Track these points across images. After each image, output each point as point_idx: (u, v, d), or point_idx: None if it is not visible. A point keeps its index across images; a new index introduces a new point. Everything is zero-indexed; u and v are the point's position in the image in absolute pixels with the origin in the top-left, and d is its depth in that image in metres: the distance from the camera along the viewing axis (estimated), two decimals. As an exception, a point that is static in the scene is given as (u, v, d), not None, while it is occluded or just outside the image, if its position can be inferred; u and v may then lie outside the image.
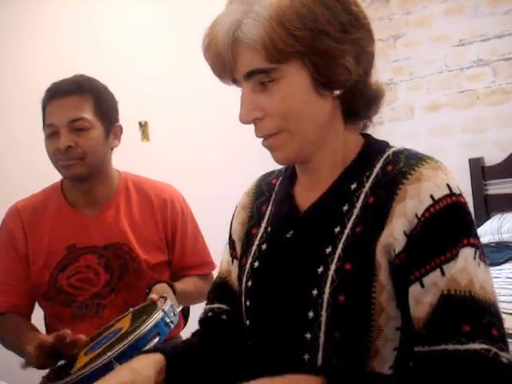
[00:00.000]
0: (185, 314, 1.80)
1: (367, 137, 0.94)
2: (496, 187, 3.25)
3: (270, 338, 0.90)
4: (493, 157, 3.26)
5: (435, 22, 3.45)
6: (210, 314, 1.06)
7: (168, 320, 1.16)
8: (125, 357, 1.05)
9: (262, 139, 0.88)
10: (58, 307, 1.52)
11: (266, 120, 0.85)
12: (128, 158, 1.79)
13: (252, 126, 0.87)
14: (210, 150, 3.23)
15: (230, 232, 1.08)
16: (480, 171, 3.27)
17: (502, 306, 1.78)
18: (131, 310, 1.33)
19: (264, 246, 0.96)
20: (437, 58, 3.45)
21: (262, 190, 1.05)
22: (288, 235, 0.92)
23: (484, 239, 2.93)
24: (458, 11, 3.37)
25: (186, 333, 1.75)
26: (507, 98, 3.24)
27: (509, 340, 0.77)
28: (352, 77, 0.84)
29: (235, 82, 0.87)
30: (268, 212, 1.00)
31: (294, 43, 0.79)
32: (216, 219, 2.05)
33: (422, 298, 0.78)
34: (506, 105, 3.24)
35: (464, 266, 0.76)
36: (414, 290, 0.78)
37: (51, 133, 1.47)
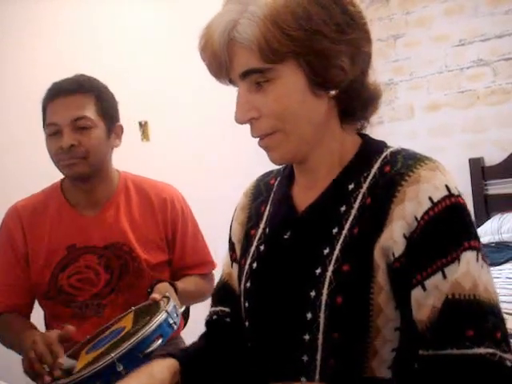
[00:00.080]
0: (184, 314, 1.80)
1: (365, 137, 0.93)
2: (496, 187, 3.25)
3: (268, 339, 0.91)
4: (493, 157, 3.26)
5: (435, 22, 3.45)
6: (214, 316, 1.07)
7: (171, 321, 1.15)
8: (127, 358, 1.05)
9: (258, 139, 0.88)
10: (58, 307, 1.52)
11: (261, 120, 0.85)
12: (128, 158, 1.79)
13: None
14: (209, 150, 3.23)
15: (230, 234, 1.08)
16: (480, 171, 3.26)
17: (503, 307, 1.76)
18: (133, 308, 1.33)
19: (262, 247, 0.96)
20: (437, 58, 3.45)
21: (261, 190, 1.05)
22: (286, 236, 0.92)
23: (484, 239, 2.93)
24: (457, 11, 3.37)
25: (185, 333, 1.75)
26: (507, 98, 3.24)
27: (511, 340, 0.77)
28: (348, 77, 0.84)
29: (232, 82, 0.87)
30: (266, 212, 1.00)
31: (288, 43, 0.79)
32: (216, 219, 2.06)
33: (425, 300, 0.77)
34: (506, 105, 3.24)
35: (467, 270, 0.76)
36: (417, 293, 0.78)
37: (53, 132, 1.47)
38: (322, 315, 0.82)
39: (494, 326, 0.75)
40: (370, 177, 0.86)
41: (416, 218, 0.78)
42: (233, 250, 1.07)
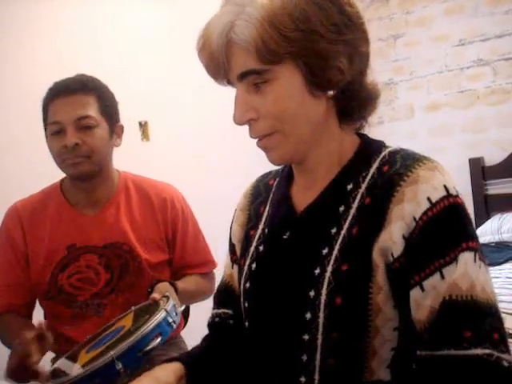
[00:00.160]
0: (184, 313, 1.81)
1: (363, 137, 0.94)
2: (496, 187, 3.24)
3: (268, 339, 0.91)
4: (493, 157, 3.26)
5: (435, 22, 3.45)
6: (217, 319, 1.08)
7: (170, 320, 1.16)
8: (126, 356, 1.05)
9: (256, 140, 0.88)
10: (58, 307, 1.52)
11: (259, 121, 0.85)
12: (128, 158, 1.79)
13: None
14: (209, 150, 3.23)
15: (230, 235, 1.09)
16: (480, 171, 3.26)
17: (502, 306, 1.78)
18: (133, 308, 1.33)
19: (261, 248, 0.96)
20: (437, 58, 3.45)
21: (260, 190, 1.05)
22: (285, 236, 0.92)
23: (484, 239, 2.93)
24: (457, 11, 3.37)
25: (185, 333, 1.75)
26: (507, 98, 3.24)
27: (509, 340, 0.77)
28: (346, 77, 0.84)
29: (230, 83, 0.87)
30: (265, 213, 1.00)
31: (286, 44, 0.79)
32: (216, 219, 2.06)
33: (423, 301, 0.78)
34: (506, 105, 3.24)
35: (465, 271, 0.76)
36: (415, 293, 0.79)
37: (56, 130, 1.47)
38: (321, 315, 0.82)
39: (491, 327, 0.75)
40: (369, 177, 0.86)
41: (414, 219, 0.79)
42: (233, 251, 1.07)
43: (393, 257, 0.80)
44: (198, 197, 2.09)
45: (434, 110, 3.49)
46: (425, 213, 0.78)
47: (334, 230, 0.85)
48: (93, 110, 1.48)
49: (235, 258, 1.06)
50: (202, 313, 1.27)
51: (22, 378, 1.18)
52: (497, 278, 2.36)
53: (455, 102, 3.40)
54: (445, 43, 3.41)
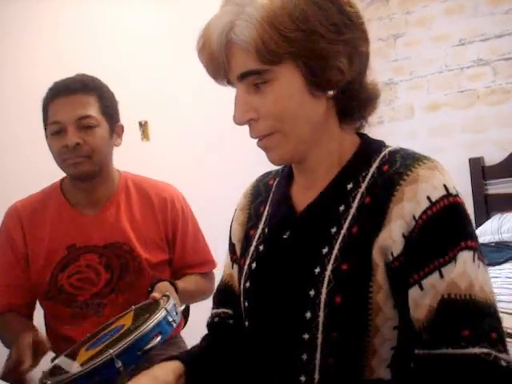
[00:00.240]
0: (185, 313, 1.81)
1: (363, 136, 0.94)
2: (496, 187, 3.25)
3: (268, 339, 0.91)
4: (493, 157, 3.26)
5: (435, 22, 3.45)
6: (216, 318, 1.08)
7: (170, 319, 1.16)
8: (126, 354, 1.05)
9: (257, 140, 0.88)
10: (58, 307, 1.52)
11: (260, 121, 0.85)
12: (128, 158, 1.79)
13: None
14: (210, 150, 3.23)
15: (230, 235, 1.09)
16: (480, 171, 3.26)
17: (502, 306, 1.77)
18: (133, 307, 1.33)
19: (261, 247, 0.96)
20: (437, 58, 3.45)
21: (260, 190, 1.05)
22: (285, 236, 0.92)
23: (484, 239, 2.93)
24: (457, 11, 3.37)
25: (185, 332, 1.76)
26: (507, 98, 3.24)
27: (509, 339, 0.77)
28: (345, 77, 0.84)
29: (229, 83, 0.87)
30: (265, 213, 1.00)
31: (285, 44, 0.79)
32: (216, 219, 2.06)
33: (421, 300, 0.78)
34: (506, 105, 3.24)
35: (463, 270, 0.77)
36: (414, 292, 0.79)
37: (57, 130, 1.46)
38: (321, 314, 0.82)
39: (489, 326, 0.75)
40: (369, 176, 0.86)
41: (414, 218, 0.79)
42: (233, 250, 1.07)
43: (392, 256, 0.80)
44: (198, 197, 2.10)
45: (434, 110, 3.49)
46: (424, 212, 0.78)
47: (334, 230, 0.85)
48: (93, 110, 1.48)
49: (235, 257, 1.06)
50: (202, 313, 1.27)
51: (14, 381, 1.19)
52: (497, 277, 2.36)
53: (455, 102, 3.40)
54: (445, 43, 3.41)
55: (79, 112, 1.45)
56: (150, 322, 1.11)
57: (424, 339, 0.77)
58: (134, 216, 1.58)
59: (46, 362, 1.27)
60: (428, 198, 0.79)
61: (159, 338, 1.11)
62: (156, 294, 1.30)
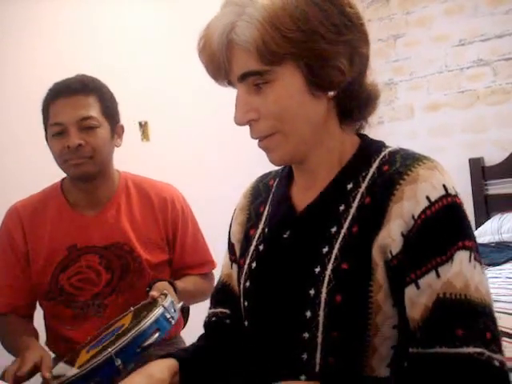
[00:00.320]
0: (184, 313, 1.81)
1: (363, 137, 0.94)
2: (496, 187, 3.25)
3: (268, 338, 0.91)
4: (493, 157, 3.26)
5: (435, 22, 3.45)
6: (213, 318, 1.08)
7: (168, 316, 1.17)
8: (125, 352, 1.06)
9: (257, 140, 0.88)
10: (58, 307, 1.52)
11: (260, 121, 0.85)
12: (128, 158, 1.79)
13: None
14: (209, 150, 3.24)
15: (229, 235, 1.09)
16: (480, 171, 3.26)
17: (503, 306, 1.77)
18: (132, 308, 1.33)
19: (261, 247, 0.96)
20: (437, 58, 3.45)
21: (260, 191, 1.05)
22: (285, 235, 0.92)
23: (484, 239, 2.93)
24: (457, 11, 3.37)
25: (185, 332, 1.76)
26: (507, 98, 3.24)
27: (508, 339, 0.77)
28: (346, 78, 0.84)
29: (230, 83, 0.87)
30: (265, 213, 1.00)
31: (286, 45, 0.79)
32: (216, 219, 2.06)
33: (418, 299, 0.78)
34: (505, 105, 3.24)
35: (459, 270, 0.77)
36: (410, 291, 0.79)
37: (58, 131, 1.46)
38: (321, 313, 0.82)
39: (484, 326, 0.75)
40: (369, 176, 0.86)
41: (413, 217, 0.79)
42: (232, 251, 1.07)
43: (391, 254, 0.80)
44: (198, 197, 2.10)
45: (434, 110, 3.49)
46: (423, 211, 0.79)
47: (334, 229, 0.86)
48: (95, 111, 1.48)
49: (234, 257, 1.06)
50: (202, 313, 1.27)
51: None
52: (497, 278, 2.36)
53: (455, 102, 3.40)
54: (445, 43, 3.42)
55: (80, 113, 1.45)
56: (148, 319, 1.12)
57: (418, 338, 0.77)
58: (135, 216, 1.58)
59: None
60: (427, 197, 0.79)
61: (157, 335, 1.11)
62: (154, 293, 1.30)
